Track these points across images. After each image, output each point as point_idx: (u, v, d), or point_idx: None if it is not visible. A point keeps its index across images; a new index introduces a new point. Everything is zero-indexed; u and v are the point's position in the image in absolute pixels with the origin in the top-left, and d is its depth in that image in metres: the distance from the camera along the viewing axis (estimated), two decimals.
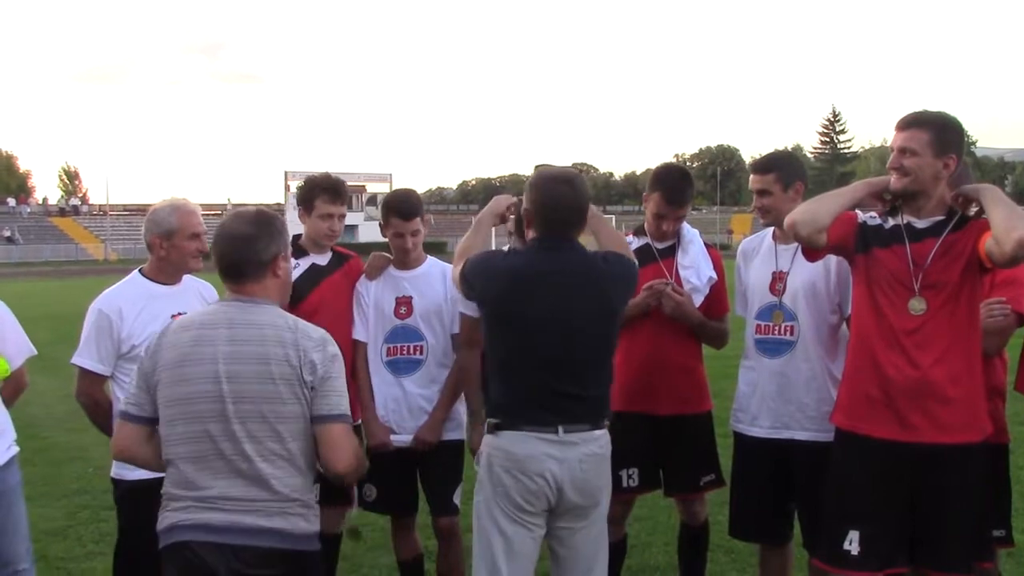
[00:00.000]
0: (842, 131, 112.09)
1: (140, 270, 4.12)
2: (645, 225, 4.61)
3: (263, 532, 2.84)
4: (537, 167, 3.65)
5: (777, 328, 4.07)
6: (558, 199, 3.47)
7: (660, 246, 4.55)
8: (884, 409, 3.45)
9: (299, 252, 4.45)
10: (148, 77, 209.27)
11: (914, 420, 3.41)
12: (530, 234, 3.60)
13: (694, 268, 4.48)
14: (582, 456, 3.37)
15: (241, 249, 3.00)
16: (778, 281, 4.09)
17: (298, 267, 4.38)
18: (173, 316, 3.74)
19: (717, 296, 4.54)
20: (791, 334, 4.03)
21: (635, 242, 4.62)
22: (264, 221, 3.07)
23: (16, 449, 4.21)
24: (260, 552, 2.84)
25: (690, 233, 4.58)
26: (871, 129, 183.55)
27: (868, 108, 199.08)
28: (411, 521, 4.67)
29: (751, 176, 4.26)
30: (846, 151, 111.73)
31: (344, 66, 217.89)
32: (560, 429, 3.34)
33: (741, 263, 4.35)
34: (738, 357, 4.30)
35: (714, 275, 4.51)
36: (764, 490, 4.12)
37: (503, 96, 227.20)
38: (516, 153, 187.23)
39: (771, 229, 4.22)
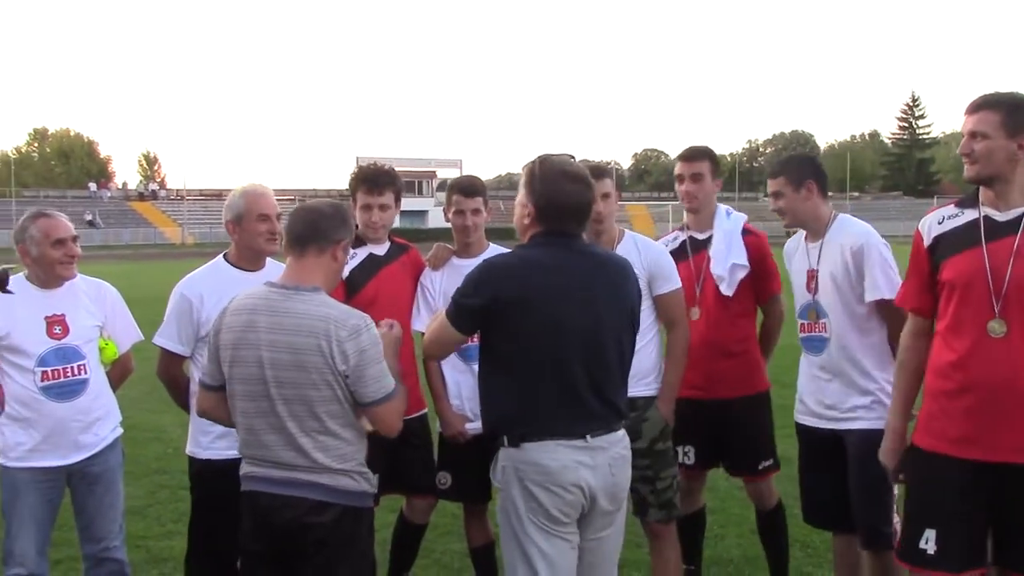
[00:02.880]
0: (921, 116, 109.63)
1: (224, 255, 4.17)
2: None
3: (312, 486, 3.18)
4: (540, 159, 3.36)
5: (815, 326, 4.14)
6: (567, 196, 3.27)
7: (701, 237, 4.63)
8: (964, 425, 3.27)
9: (357, 242, 4.40)
10: (224, 63, 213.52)
11: (994, 438, 3.22)
12: (531, 231, 3.36)
13: (716, 258, 4.53)
14: (611, 460, 3.28)
15: (313, 221, 3.28)
16: (811, 279, 4.16)
17: (355, 256, 4.35)
18: None
19: (756, 282, 4.56)
20: (825, 331, 4.09)
21: (680, 236, 4.73)
22: (340, 208, 3.39)
23: (120, 431, 4.37)
24: (310, 502, 3.18)
25: (723, 221, 4.58)
26: (952, 115, 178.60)
27: (949, 93, 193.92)
28: (484, 508, 4.68)
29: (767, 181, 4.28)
30: (925, 136, 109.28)
31: (416, 52, 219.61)
32: (587, 436, 3.21)
33: (787, 264, 4.39)
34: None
35: (740, 261, 4.50)
36: (823, 479, 4.18)
37: (572, 82, 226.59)
38: (584, 139, 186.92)
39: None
